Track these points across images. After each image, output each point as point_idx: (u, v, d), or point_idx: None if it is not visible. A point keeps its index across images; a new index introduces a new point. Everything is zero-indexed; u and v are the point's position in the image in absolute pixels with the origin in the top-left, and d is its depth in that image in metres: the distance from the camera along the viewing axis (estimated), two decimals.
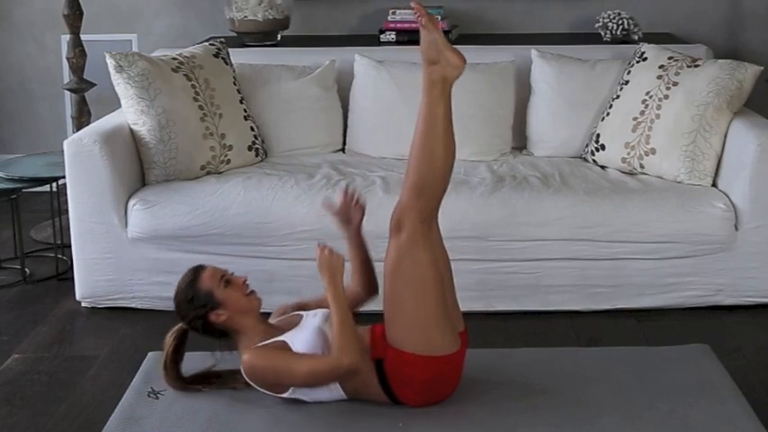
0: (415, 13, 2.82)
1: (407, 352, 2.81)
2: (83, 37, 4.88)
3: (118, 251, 3.92)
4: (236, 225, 3.83)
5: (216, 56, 4.29)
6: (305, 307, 3.05)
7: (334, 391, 2.89)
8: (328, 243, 2.88)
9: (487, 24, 5.31)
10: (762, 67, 4.06)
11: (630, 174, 4.10)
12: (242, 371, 2.89)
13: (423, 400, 2.89)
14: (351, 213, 3.04)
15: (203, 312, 2.90)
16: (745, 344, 3.63)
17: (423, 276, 2.79)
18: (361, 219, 3.02)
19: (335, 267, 2.84)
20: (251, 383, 2.90)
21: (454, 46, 2.83)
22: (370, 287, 3.06)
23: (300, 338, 2.87)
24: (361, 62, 4.48)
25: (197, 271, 2.95)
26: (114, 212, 3.88)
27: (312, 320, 2.93)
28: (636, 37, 4.81)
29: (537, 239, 3.81)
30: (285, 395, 2.90)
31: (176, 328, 2.99)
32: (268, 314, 3.12)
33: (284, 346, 2.86)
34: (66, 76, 5.17)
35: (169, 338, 2.99)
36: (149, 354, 3.31)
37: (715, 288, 3.88)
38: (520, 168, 4.17)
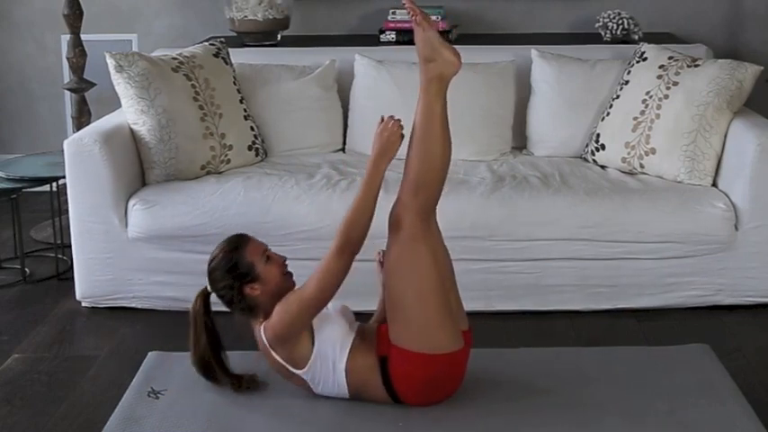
0: (409, 12, 2.82)
1: (409, 350, 2.81)
2: (83, 37, 4.88)
3: (118, 251, 3.92)
4: (236, 225, 3.81)
5: (216, 56, 4.29)
6: None
7: (339, 387, 2.89)
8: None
9: (487, 24, 5.31)
10: (762, 67, 4.06)
11: (630, 174, 4.10)
12: (265, 340, 2.86)
13: (424, 399, 2.89)
14: None
15: (239, 283, 2.86)
16: (745, 344, 3.63)
17: (423, 274, 2.79)
18: None
19: (388, 146, 2.80)
20: (273, 357, 2.87)
21: (451, 44, 2.83)
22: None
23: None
24: (361, 62, 4.48)
25: (241, 240, 2.91)
26: (114, 212, 3.88)
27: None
28: (636, 37, 4.81)
29: (537, 239, 3.81)
30: (301, 372, 2.87)
31: (199, 292, 2.94)
32: None
33: None
34: (67, 76, 5.17)
35: (195, 303, 2.93)
36: (149, 354, 3.32)
37: (715, 288, 3.88)
38: (520, 168, 4.17)
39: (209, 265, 2.92)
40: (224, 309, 2.96)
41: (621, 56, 4.45)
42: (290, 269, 2.95)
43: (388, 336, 2.86)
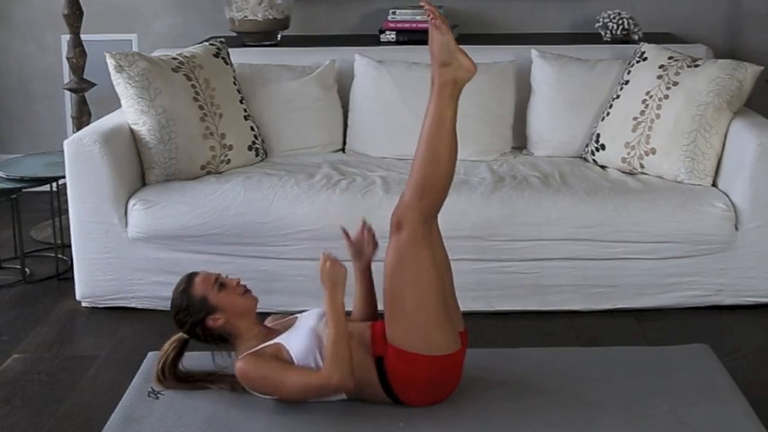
0: (427, 14, 2.82)
1: (407, 351, 2.81)
2: (83, 37, 4.88)
3: (118, 251, 3.92)
4: (236, 225, 3.83)
5: (216, 56, 4.29)
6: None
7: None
8: (329, 250, 2.88)
9: (487, 24, 5.31)
10: (762, 67, 4.06)
11: (630, 174, 4.10)
12: (240, 381, 2.90)
13: (422, 400, 2.89)
14: (364, 248, 3.04)
15: (200, 318, 2.89)
16: (745, 344, 3.63)
17: (423, 277, 2.79)
18: (373, 254, 3.03)
19: (337, 279, 2.83)
20: (246, 388, 2.91)
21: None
22: (368, 315, 3.07)
23: (295, 341, 2.87)
24: (361, 62, 4.48)
25: (189, 278, 2.95)
26: (114, 212, 3.88)
27: (306, 321, 2.94)
28: (636, 37, 4.81)
29: (537, 239, 3.81)
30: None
31: (176, 337, 2.98)
32: (266, 314, 3.13)
33: (279, 350, 2.86)
34: (67, 76, 5.17)
35: (168, 347, 2.98)
36: (149, 354, 3.31)
37: (715, 288, 3.88)
38: (520, 168, 4.17)
39: (171, 312, 2.95)
40: None
41: (621, 56, 4.45)
42: (248, 287, 2.96)
43: (385, 335, 2.85)
